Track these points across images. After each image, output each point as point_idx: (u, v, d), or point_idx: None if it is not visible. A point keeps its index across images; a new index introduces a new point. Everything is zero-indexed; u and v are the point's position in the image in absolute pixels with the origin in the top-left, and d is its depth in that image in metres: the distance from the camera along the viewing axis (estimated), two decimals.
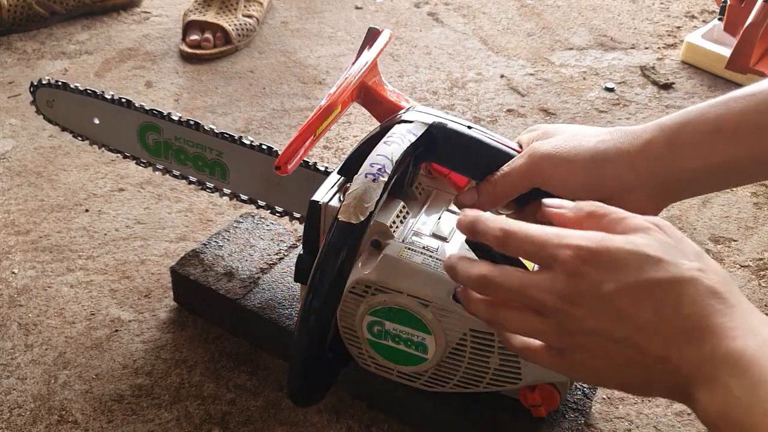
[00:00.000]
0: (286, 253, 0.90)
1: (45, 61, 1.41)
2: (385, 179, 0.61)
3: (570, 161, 0.60)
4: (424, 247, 0.66)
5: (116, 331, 0.88)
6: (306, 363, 0.64)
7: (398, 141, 0.64)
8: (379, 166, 0.62)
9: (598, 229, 0.49)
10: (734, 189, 1.15)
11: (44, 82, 0.90)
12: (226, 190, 0.88)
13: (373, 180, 0.61)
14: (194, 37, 1.45)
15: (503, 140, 0.66)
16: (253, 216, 0.96)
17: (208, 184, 0.88)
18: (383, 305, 0.65)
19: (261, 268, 0.88)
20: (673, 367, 0.45)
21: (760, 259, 1.02)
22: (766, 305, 0.94)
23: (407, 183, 0.71)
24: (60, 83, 0.90)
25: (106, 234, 1.03)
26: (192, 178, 0.89)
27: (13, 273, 0.96)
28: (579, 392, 0.75)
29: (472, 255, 0.55)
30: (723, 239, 1.05)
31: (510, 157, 0.64)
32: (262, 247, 0.91)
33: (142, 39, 1.51)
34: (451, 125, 0.66)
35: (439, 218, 0.70)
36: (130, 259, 0.99)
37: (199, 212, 1.07)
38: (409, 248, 0.66)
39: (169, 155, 0.88)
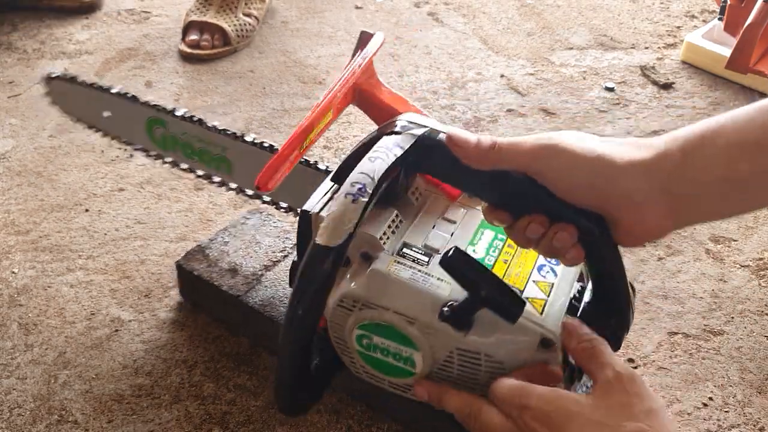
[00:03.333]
0: (291, 251, 0.90)
1: (45, 61, 1.41)
2: (366, 199, 0.61)
3: (575, 156, 0.57)
4: (414, 260, 0.65)
5: (116, 331, 0.88)
6: (292, 375, 0.64)
7: (383, 156, 0.63)
8: (360, 186, 0.61)
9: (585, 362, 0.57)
10: None
11: (54, 75, 0.93)
12: (232, 185, 0.88)
13: (353, 201, 0.60)
14: (193, 37, 1.45)
15: None
16: (260, 212, 0.96)
17: (215, 178, 0.89)
18: (371, 320, 0.65)
19: (265, 266, 0.88)
20: None
21: (760, 259, 1.02)
22: (766, 305, 0.94)
23: (401, 190, 0.71)
24: (69, 77, 0.92)
25: (106, 234, 1.03)
26: (200, 172, 0.90)
27: (13, 273, 0.96)
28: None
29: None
30: (723, 239, 1.05)
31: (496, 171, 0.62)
32: (267, 244, 0.91)
33: (142, 39, 1.51)
34: (440, 137, 0.64)
35: (434, 226, 0.69)
36: (130, 259, 0.99)
37: (199, 212, 1.07)
38: (398, 262, 0.65)
39: (177, 149, 0.90)
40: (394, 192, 0.70)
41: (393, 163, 0.63)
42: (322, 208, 0.69)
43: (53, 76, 0.93)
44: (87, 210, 1.07)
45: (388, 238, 0.67)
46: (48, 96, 0.95)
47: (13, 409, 0.79)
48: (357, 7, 1.64)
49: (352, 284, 0.65)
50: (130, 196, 1.10)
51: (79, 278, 0.95)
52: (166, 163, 0.91)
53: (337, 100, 0.74)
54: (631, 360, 0.87)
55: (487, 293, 0.58)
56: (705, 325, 0.92)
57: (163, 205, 1.08)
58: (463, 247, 0.66)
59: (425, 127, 0.65)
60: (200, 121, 0.87)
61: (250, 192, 0.88)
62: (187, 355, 0.85)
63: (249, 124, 1.26)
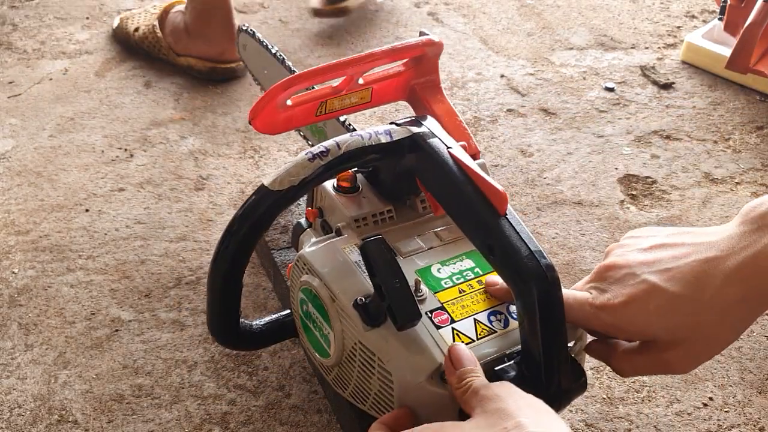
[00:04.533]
0: None
1: (45, 60, 1.41)
2: (324, 162, 0.62)
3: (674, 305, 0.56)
4: None
5: (116, 331, 0.88)
6: (218, 306, 0.67)
7: (364, 135, 0.64)
8: (323, 149, 0.63)
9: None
10: (734, 189, 1.15)
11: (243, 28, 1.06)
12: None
13: (310, 159, 0.62)
14: None
15: (478, 172, 0.61)
16: None
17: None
18: (308, 286, 0.66)
19: None
20: None
21: None
22: None
23: (405, 191, 0.71)
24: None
25: (106, 234, 1.03)
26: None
27: (13, 273, 0.96)
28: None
29: None
30: None
31: (476, 195, 0.60)
32: None
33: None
34: (431, 140, 0.64)
35: (419, 235, 0.69)
36: (130, 259, 0.99)
37: (199, 212, 1.07)
38: (358, 246, 0.66)
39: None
40: (397, 190, 0.70)
41: (373, 145, 0.64)
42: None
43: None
44: (87, 210, 1.07)
45: (366, 224, 0.69)
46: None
47: (13, 409, 0.79)
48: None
49: (309, 248, 0.67)
50: (130, 196, 1.10)
51: (79, 278, 0.95)
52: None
53: (377, 82, 0.75)
54: None
55: (385, 289, 0.57)
56: None
57: (163, 205, 1.08)
58: (433, 262, 0.66)
59: (430, 131, 0.65)
60: None
61: None
62: (187, 355, 0.85)
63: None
